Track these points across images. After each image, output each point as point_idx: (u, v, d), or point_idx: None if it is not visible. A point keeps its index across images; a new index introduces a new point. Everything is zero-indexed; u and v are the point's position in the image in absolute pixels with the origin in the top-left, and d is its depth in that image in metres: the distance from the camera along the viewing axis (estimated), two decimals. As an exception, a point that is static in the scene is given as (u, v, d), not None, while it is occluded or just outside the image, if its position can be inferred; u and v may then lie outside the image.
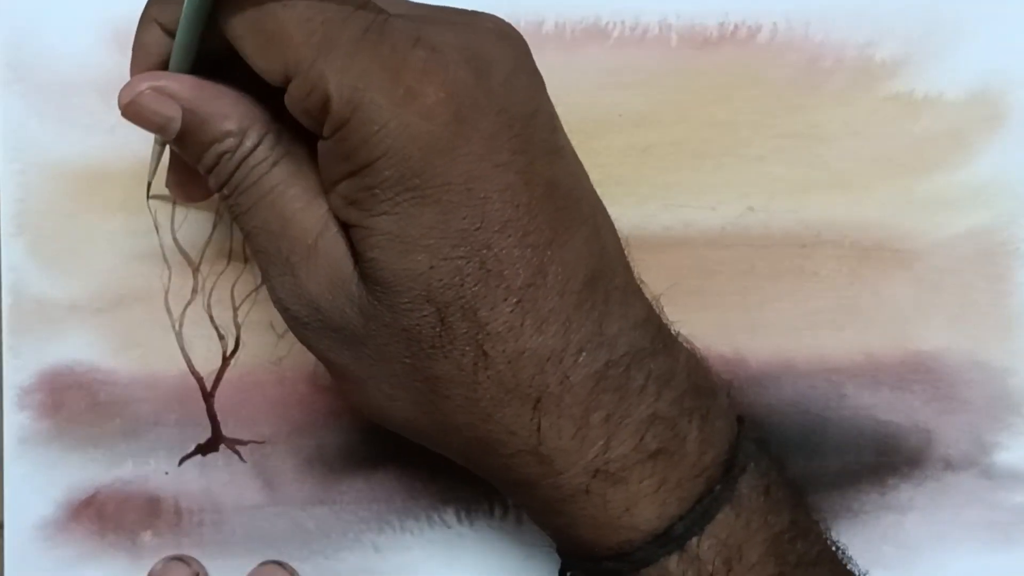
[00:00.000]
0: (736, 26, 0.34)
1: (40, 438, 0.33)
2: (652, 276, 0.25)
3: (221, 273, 0.34)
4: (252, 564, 0.33)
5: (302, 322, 0.25)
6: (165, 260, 0.34)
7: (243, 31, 0.23)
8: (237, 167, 0.24)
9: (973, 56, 0.34)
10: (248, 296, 0.34)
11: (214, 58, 0.25)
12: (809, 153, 0.34)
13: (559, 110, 0.25)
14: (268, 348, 0.34)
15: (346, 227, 0.24)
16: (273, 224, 0.25)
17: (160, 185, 0.30)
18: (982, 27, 0.34)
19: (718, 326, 0.34)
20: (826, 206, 0.34)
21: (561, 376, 0.24)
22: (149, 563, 0.33)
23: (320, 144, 0.24)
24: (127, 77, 0.25)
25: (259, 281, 0.34)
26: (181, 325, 0.34)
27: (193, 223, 0.34)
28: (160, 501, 0.34)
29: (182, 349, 0.34)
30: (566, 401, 0.24)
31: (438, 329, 0.24)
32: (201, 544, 0.34)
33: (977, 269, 0.34)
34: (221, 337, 0.34)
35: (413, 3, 0.26)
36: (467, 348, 0.24)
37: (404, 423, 0.26)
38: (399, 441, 0.27)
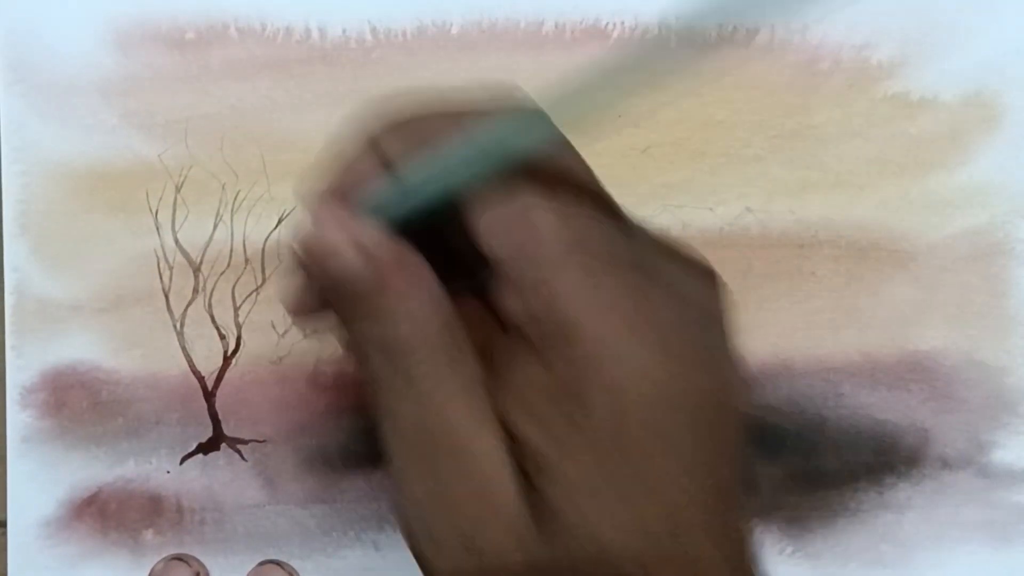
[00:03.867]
0: (735, 27, 0.34)
1: (43, 437, 0.34)
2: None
3: (222, 273, 0.34)
4: (254, 562, 0.33)
5: (435, 539, 0.22)
6: (166, 260, 0.34)
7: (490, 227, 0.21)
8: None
9: (969, 58, 0.34)
10: (249, 296, 0.34)
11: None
12: (807, 154, 0.34)
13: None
14: (269, 348, 0.34)
15: (520, 445, 0.21)
16: (429, 423, 0.21)
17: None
18: (978, 29, 0.34)
19: (716, 326, 0.34)
20: (824, 206, 0.34)
21: None
22: (151, 561, 0.33)
23: (526, 356, 0.21)
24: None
25: (260, 281, 0.34)
26: (182, 325, 0.34)
27: (194, 223, 0.34)
28: (162, 500, 0.34)
29: (183, 349, 0.34)
30: None
31: None
32: (203, 542, 0.34)
33: (974, 269, 0.35)
34: (222, 337, 0.34)
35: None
36: None
37: None
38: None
